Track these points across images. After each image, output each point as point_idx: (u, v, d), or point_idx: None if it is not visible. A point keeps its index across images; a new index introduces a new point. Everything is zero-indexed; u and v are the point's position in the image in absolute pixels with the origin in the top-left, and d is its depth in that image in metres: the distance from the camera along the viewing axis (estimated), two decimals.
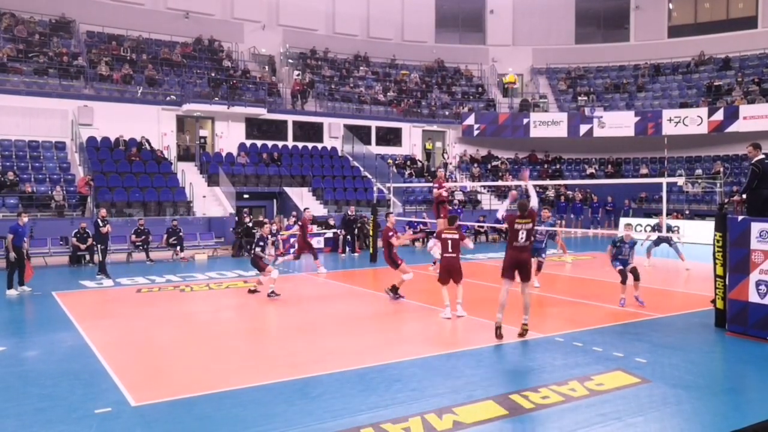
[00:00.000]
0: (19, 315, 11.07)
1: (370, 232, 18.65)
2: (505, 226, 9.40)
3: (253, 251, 12.37)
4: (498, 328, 8.41)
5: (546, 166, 31.65)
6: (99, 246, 14.84)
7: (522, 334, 8.49)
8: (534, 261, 10.91)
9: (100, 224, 14.81)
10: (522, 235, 8.52)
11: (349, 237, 20.67)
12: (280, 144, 26.73)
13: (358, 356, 7.74)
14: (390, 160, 27.78)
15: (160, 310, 11.08)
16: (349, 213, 21.06)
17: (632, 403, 6.02)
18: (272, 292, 11.84)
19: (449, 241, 9.93)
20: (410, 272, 11.44)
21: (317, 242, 20.85)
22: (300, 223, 14.85)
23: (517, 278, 8.61)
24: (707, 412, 5.87)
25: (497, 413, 5.75)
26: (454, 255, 9.92)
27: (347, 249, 20.56)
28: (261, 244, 12.28)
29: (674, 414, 5.77)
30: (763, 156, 8.87)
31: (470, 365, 7.29)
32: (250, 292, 12.40)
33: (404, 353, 7.81)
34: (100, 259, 14.82)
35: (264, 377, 6.83)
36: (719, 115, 27.15)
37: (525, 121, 30.31)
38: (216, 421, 5.61)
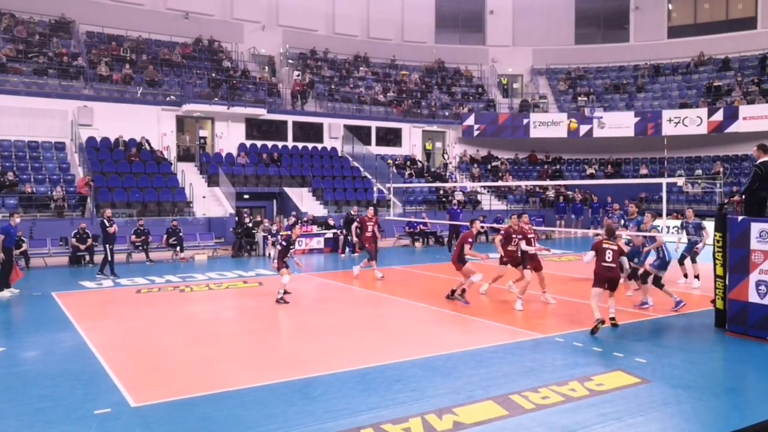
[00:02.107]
0: (19, 315, 11.07)
1: None
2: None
3: (276, 249, 11.90)
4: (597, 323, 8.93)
5: (546, 166, 31.65)
6: (106, 246, 14.81)
7: (614, 325, 9.12)
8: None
9: (107, 224, 14.81)
10: (608, 256, 9.10)
11: (349, 237, 20.56)
12: (280, 144, 26.73)
13: (359, 356, 7.74)
14: (390, 161, 27.78)
15: (159, 310, 11.07)
16: (352, 213, 20.90)
17: (632, 403, 6.02)
18: (282, 298, 11.35)
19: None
20: (479, 274, 11.11)
21: (317, 242, 20.87)
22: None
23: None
24: (707, 412, 5.87)
25: (497, 413, 5.75)
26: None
27: (347, 249, 20.50)
28: (284, 243, 11.65)
29: (674, 414, 5.76)
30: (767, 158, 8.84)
31: (470, 365, 7.28)
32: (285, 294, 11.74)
33: (404, 353, 7.81)
34: (108, 259, 14.78)
35: (264, 377, 6.82)
36: (719, 116, 27.16)
37: (525, 121, 30.31)
38: (216, 421, 5.61)
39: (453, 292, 11.35)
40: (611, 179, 28.24)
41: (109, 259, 14.73)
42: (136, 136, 23.24)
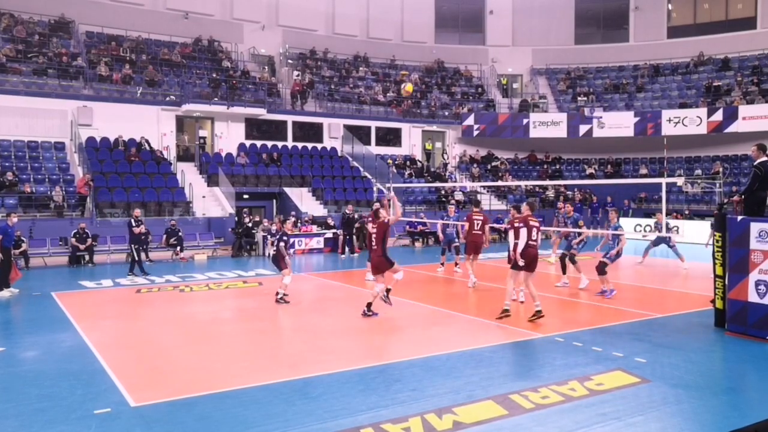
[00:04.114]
0: (18, 315, 11.06)
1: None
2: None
3: (276, 247, 11.52)
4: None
5: (546, 166, 31.67)
6: (133, 246, 14.92)
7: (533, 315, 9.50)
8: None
9: (133, 224, 14.94)
10: (534, 234, 9.56)
11: (348, 237, 20.46)
12: (279, 144, 26.73)
13: (358, 356, 7.74)
14: (390, 161, 27.79)
15: (159, 310, 11.07)
16: (347, 211, 20.77)
17: (632, 402, 6.02)
18: (282, 297, 11.32)
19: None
20: (401, 270, 10.62)
21: (317, 242, 20.86)
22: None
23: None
24: (707, 411, 5.88)
25: (497, 413, 5.75)
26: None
27: (347, 249, 20.42)
28: (285, 239, 11.44)
29: (674, 414, 5.77)
30: (766, 158, 8.85)
31: (470, 365, 7.28)
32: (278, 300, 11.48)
33: (404, 353, 7.81)
34: (135, 258, 14.90)
35: (264, 377, 6.83)
36: (718, 116, 27.17)
37: (525, 121, 30.32)
38: (216, 421, 5.61)
39: (388, 291, 10.24)
40: (611, 179, 28.26)
41: (136, 258, 14.88)
42: (136, 136, 23.23)
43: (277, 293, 11.45)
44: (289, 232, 11.97)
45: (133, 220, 15.07)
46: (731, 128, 26.88)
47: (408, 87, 13.71)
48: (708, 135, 27.68)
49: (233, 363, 7.55)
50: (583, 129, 29.59)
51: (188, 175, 22.74)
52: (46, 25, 25.62)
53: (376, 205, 10.89)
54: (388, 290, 10.16)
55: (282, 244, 11.50)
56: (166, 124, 24.45)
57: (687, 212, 25.48)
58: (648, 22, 33.56)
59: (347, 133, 28.34)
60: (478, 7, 35.05)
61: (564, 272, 13.00)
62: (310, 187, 24.89)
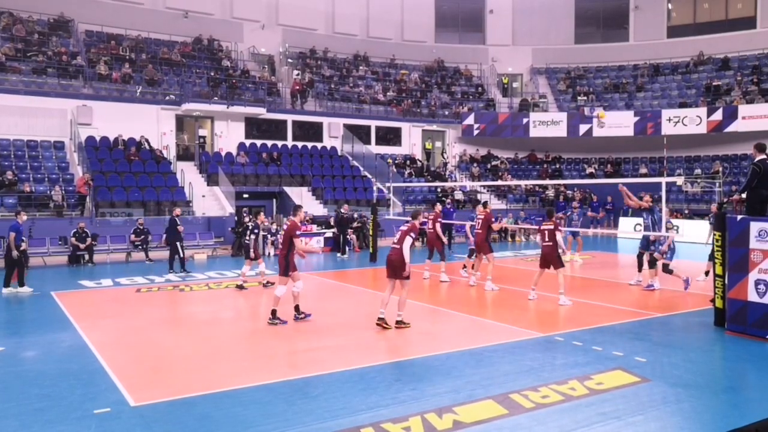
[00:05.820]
0: (18, 315, 11.06)
1: (371, 232, 18.62)
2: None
3: (248, 239, 12.99)
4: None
5: (546, 165, 31.67)
6: (177, 243, 15.20)
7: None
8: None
9: (177, 222, 15.31)
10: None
11: (343, 236, 20.23)
12: (279, 144, 26.73)
13: (358, 356, 7.74)
14: (390, 160, 27.79)
15: (159, 309, 11.07)
16: (342, 211, 20.62)
17: (632, 402, 6.02)
18: (241, 285, 12.64)
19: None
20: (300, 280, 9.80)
21: (317, 242, 20.83)
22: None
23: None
24: (707, 410, 5.88)
25: (497, 412, 5.75)
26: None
27: (347, 249, 20.32)
28: (256, 231, 12.82)
29: (674, 413, 5.77)
30: (764, 156, 8.86)
31: (470, 364, 7.28)
32: (265, 285, 12.83)
33: (404, 353, 7.81)
34: (181, 255, 15.21)
35: (264, 377, 6.82)
36: (718, 115, 27.19)
37: (524, 120, 30.32)
38: (216, 420, 5.60)
39: (297, 308, 9.75)
40: (611, 179, 28.25)
41: (180, 256, 15.20)
42: (136, 136, 23.22)
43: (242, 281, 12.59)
44: (261, 225, 13.30)
45: (176, 219, 15.47)
46: (731, 128, 26.90)
47: (601, 114, 13.87)
48: (708, 134, 27.70)
49: (233, 362, 7.55)
50: (583, 128, 29.60)
51: (188, 175, 22.74)
52: (46, 23, 25.61)
53: (299, 208, 9.98)
54: (297, 307, 9.69)
55: (253, 236, 12.74)
56: (166, 123, 24.44)
57: (687, 212, 25.49)
58: (648, 21, 33.57)
59: (347, 133, 28.34)
60: (478, 6, 35.06)
61: (639, 270, 13.28)
62: (310, 187, 24.90)
